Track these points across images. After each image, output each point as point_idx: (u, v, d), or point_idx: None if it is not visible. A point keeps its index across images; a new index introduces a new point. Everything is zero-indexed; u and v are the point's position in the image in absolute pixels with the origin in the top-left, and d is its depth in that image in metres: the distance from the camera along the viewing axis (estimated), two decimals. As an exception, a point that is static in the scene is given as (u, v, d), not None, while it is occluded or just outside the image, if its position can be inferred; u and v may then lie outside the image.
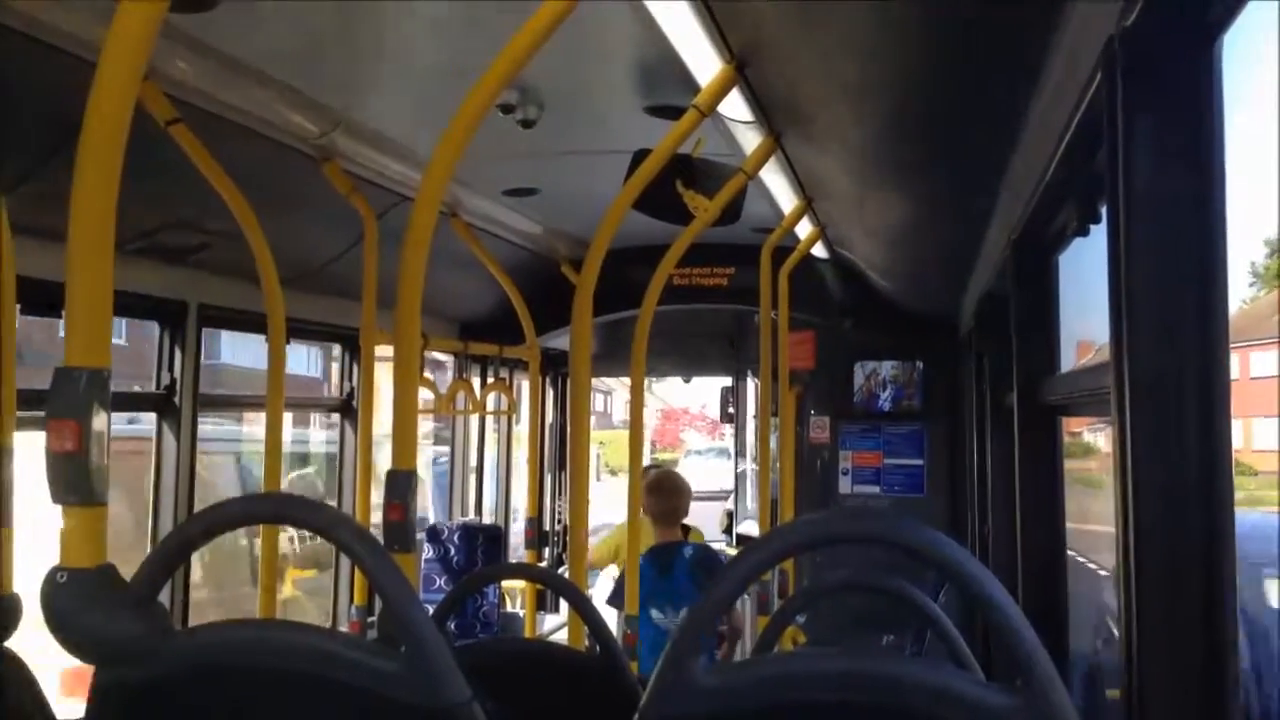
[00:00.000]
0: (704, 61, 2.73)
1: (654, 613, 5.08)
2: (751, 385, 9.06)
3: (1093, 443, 3.68)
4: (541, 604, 6.71)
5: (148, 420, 4.23)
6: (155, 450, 4.14)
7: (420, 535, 5.92)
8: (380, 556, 1.55)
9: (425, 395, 5.29)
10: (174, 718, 1.54)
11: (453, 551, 6.15)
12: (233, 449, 7.12)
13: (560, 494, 8.34)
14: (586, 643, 3.12)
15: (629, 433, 4.12)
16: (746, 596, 5.75)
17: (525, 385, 7.10)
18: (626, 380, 4.38)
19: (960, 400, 6.16)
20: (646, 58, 3.03)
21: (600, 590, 6.05)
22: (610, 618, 3.81)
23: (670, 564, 5.20)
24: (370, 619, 4.56)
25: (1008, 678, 1.35)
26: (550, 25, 2.11)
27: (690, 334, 8.30)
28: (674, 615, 5.03)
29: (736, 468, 10.36)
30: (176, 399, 4.13)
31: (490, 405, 7.04)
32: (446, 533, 6.21)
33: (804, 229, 4.76)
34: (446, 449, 7.26)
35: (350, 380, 5.50)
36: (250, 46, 2.94)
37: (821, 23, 2.06)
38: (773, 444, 5.90)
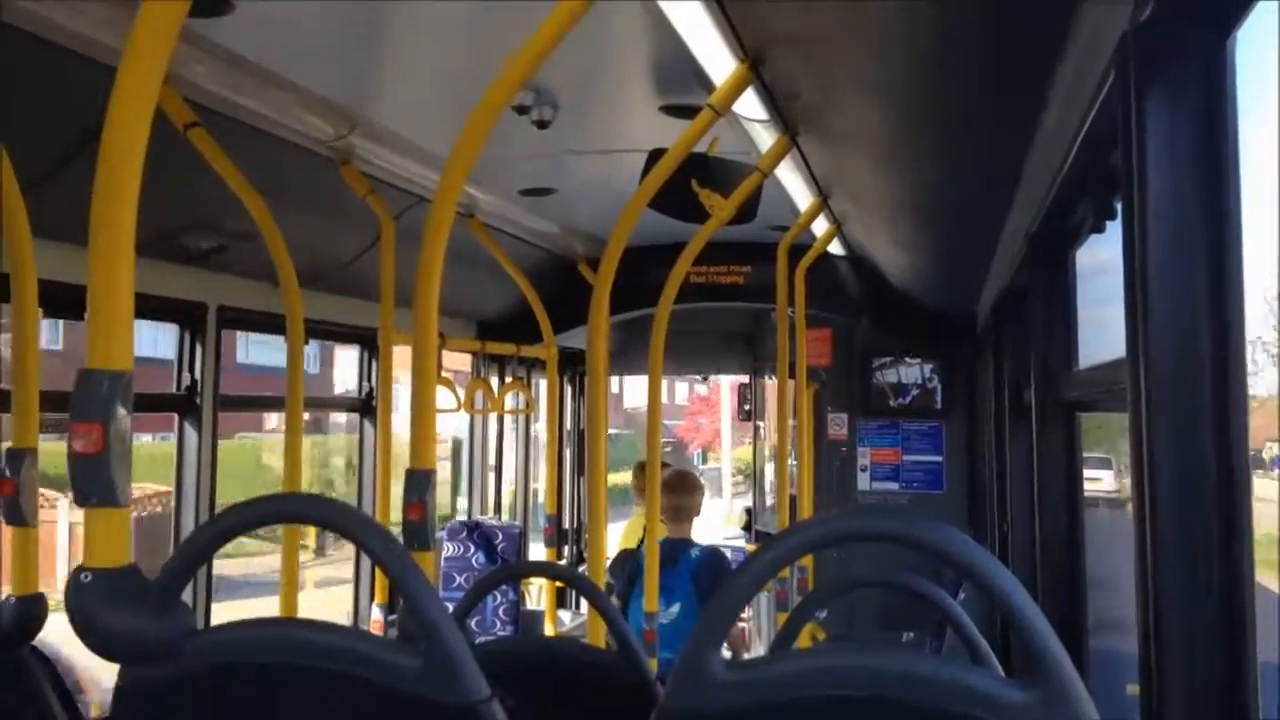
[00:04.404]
0: (718, 60, 2.74)
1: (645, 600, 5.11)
2: (769, 383, 9.04)
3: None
4: (561, 602, 6.72)
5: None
6: (177, 451, 4.19)
7: (440, 534, 5.94)
8: (400, 555, 1.56)
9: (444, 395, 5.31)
10: (198, 716, 1.56)
11: (473, 550, 6.17)
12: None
13: (579, 492, 8.35)
14: (606, 641, 3.13)
15: (647, 429, 4.12)
16: (765, 594, 5.75)
17: (543, 384, 7.12)
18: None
19: (979, 396, 6.14)
20: (661, 57, 3.04)
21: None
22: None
23: (676, 558, 5.24)
24: (391, 618, 4.58)
25: (1027, 675, 1.35)
26: (565, 26, 2.12)
27: (707, 332, 8.30)
28: (663, 609, 5.04)
29: (755, 464, 10.35)
30: (198, 399, 4.16)
31: (508, 404, 7.05)
32: (466, 531, 6.24)
33: (820, 226, 4.76)
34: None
35: (369, 380, 5.54)
36: (268, 50, 2.96)
37: (835, 21, 2.07)
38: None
